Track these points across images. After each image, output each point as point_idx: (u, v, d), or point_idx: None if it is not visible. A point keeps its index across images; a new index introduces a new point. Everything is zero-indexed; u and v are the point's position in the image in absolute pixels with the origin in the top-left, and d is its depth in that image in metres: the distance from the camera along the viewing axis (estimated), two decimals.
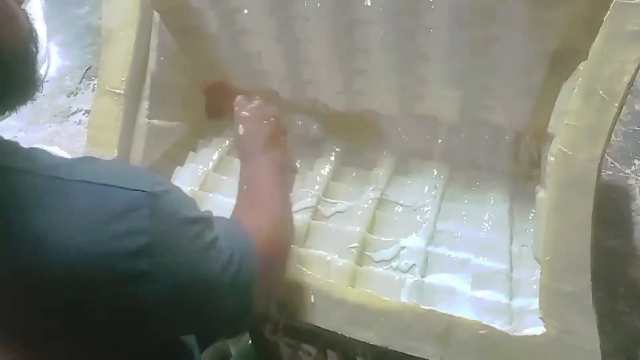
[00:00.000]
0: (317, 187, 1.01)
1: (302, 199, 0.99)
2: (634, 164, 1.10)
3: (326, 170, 1.04)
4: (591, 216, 0.75)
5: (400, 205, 0.98)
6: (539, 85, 0.90)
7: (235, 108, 0.91)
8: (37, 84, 0.56)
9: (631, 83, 0.73)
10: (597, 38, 0.73)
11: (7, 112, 0.55)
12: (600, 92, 0.73)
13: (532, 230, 0.93)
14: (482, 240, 0.91)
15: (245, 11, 1.00)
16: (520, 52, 0.86)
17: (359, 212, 0.96)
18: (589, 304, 0.75)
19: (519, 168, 1.01)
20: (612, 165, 1.10)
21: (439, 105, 1.02)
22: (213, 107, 1.19)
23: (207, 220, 0.60)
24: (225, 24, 1.04)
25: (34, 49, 0.54)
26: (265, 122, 0.88)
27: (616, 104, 0.73)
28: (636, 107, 1.21)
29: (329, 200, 1.01)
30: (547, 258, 0.78)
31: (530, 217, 0.94)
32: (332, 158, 1.07)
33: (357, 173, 1.06)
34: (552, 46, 0.84)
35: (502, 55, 0.88)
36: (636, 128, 1.16)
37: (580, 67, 0.76)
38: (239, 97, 0.92)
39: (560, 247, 0.77)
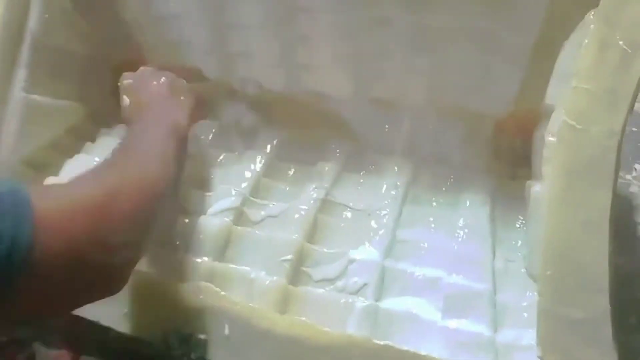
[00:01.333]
0: (243, 184, 0.78)
1: (223, 198, 0.76)
2: (635, 169, 0.91)
3: (257, 164, 0.82)
4: (609, 213, 0.54)
5: (350, 208, 0.76)
6: (526, 53, 0.70)
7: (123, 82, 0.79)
8: None
9: None
10: None
11: None
12: (620, 42, 0.53)
13: (519, 241, 0.72)
14: (455, 253, 0.69)
15: None
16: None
17: (296, 217, 0.74)
18: (607, 335, 0.54)
19: (501, 166, 0.80)
20: None
21: (401, 88, 0.81)
22: None
23: None
24: None
25: None
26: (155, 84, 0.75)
27: None
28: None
29: (258, 201, 0.78)
30: (548, 272, 0.56)
31: (518, 225, 0.73)
32: (268, 149, 0.84)
33: (297, 169, 0.83)
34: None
35: (473, 19, 0.68)
36: (634, 129, 0.97)
37: (591, 14, 0.57)
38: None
39: (567, 257, 0.55)
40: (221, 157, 0.84)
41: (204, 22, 0.82)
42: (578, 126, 0.54)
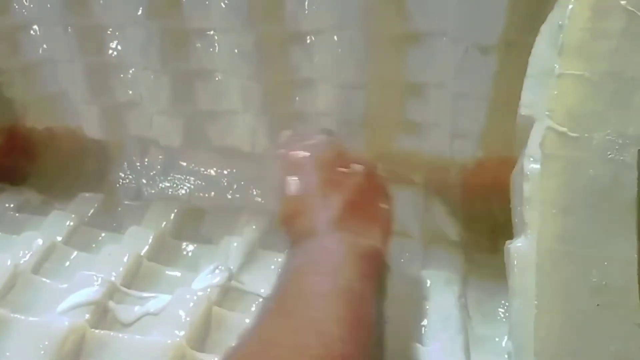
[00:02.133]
0: (118, 269, 0.56)
1: (83, 289, 0.53)
2: None
3: (143, 245, 0.60)
4: (637, 267, 0.32)
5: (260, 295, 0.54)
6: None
7: (280, 150, 0.49)
8: None
9: None
10: None
11: None
12: (623, 2, 0.35)
13: (504, 338, 0.49)
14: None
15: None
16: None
17: (191, 307, 0.51)
18: None
19: (473, 236, 0.59)
20: None
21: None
22: None
23: None
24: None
25: None
26: (342, 171, 0.45)
27: None
28: None
29: (134, 292, 0.55)
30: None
31: (501, 313, 0.51)
32: (163, 224, 0.63)
33: (197, 248, 0.61)
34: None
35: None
36: None
37: None
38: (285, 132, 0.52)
39: (576, 350, 0.33)
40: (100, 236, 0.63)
41: (82, 70, 0.64)
42: (571, 134, 0.34)
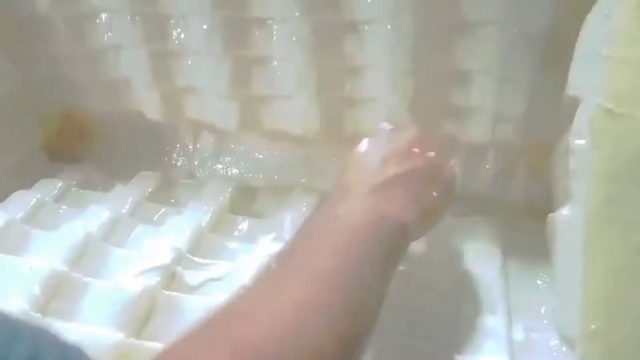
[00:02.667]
0: (184, 238, 0.61)
1: (151, 256, 0.58)
2: None
3: (205, 218, 0.65)
4: None
5: None
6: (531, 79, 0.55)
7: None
8: None
9: None
10: None
11: None
12: None
13: (542, 307, 0.53)
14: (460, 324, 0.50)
15: None
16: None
17: (246, 279, 0.55)
18: None
19: (511, 212, 0.63)
20: None
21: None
22: (54, 145, 0.81)
23: None
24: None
25: None
26: (413, 151, 0.48)
27: None
28: None
29: (196, 259, 0.60)
30: (593, 327, 0.37)
31: (540, 282, 0.55)
32: (220, 199, 0.68)
33: (252, 224, 0.66)
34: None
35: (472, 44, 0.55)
36: None
37: None
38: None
39: (619, 302, 0.37)
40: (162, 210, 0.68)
41: (145, 56, 0.69)
42: (618, 110, 0.38)
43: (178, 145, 0.78)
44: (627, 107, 0.38)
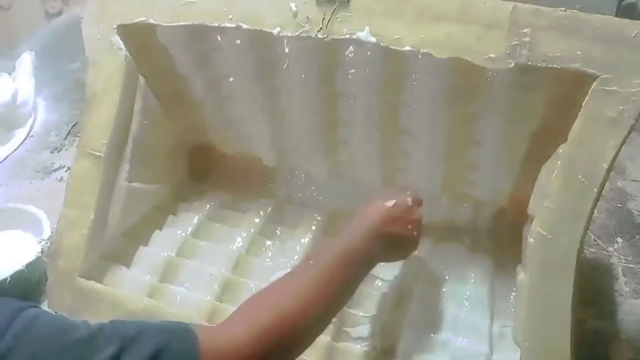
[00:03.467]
0: (296, 257, 0.99)
1: (281, 269, 0.97)
2: (617, 242, 1.09)
3: (307, 239, 1.03)
4: (571, 302, 0.73)
5: (380, 279, 0.96)
6: (519, 163, 0.90)
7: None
8: None
9: (610, 168, 0.73)
10: (576, 122, 0.73)
11: None
12: (579, 176, 0.73)
13: (513, 310, 0.91)
14: (462, 320, 0.89)
15: (231, 78, 1.00)
16: (500, 130, 0.86)
17: None
18: None
19: (501, 244, 1.00)
20: (595, 243, 1.09)
21: (420, 178, 1.01)
22: (196, 169, 1.19)
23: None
24: (211, 89, 1.04)
25: None
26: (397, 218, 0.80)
27: (595, 189, 0.72)
28: (619, 184, 1.21)
29: None
30: (527, 343, 0.76)
31: (512, 297, 0.92)
32: (313, 227, 1.06)
33: None
34: (531, 126, 0.84)
35: (482, 133, 0.89)
36: (619, 205, 1.16)
37: (560, 149, 0.76)
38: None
39: (539, 333, 0.75)
40: (278, 231, 1.06)
41: (266, 123, 1.04)
42: (549, 236, 0.74)
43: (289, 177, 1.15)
44: (554, 235, 0.74)
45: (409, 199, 0.84)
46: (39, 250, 1.05)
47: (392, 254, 0.83)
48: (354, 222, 0.78)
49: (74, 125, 1.52)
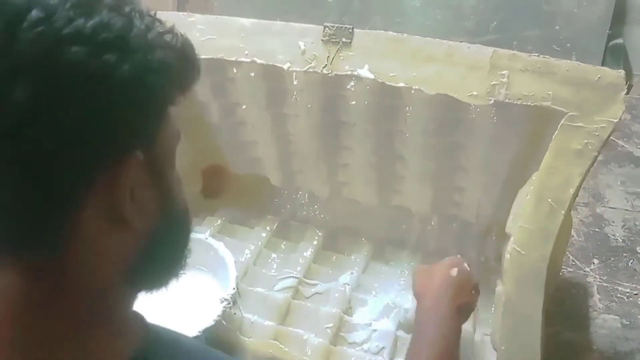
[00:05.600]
0: (299, 268, 1.09)
1: (285, 278, 1.07)
2: (593, 263, 1.19)
3: (308, 253, 1.13)
4: (541, 311, 0.83)
5: (375, 289, 1.06)
6: (500, 187, 1.01)
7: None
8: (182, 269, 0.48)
9: (576, 194, 0.83)
10: (547, 152, 0.84)
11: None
12: (549, 200, 0.83)
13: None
14: None
15: (244, 106, 1.12)
16: (483, 158, 0.97)
17: (337, 295, 1.04)
18: None
19: (485, 261, 1.10)
20: (573, 263, 1.19)
21: (412, 199, 1.12)
22: (209, 187, 1.29)
23: None
24: (225, 115, 1.15)
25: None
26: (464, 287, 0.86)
27: (562, 211, 0.82)
28: (597, 210, 1.31)
29: (309, 281, 1.08)
30: (502, 348, 0.85)
31: (492, 308, 1.02)
32: (315, 242, 1.16)
33: (337, 257, 1.14)
34: (509, 155, 0.95)
35: (467, 160, 0.99)
36: (596, 229, 1.25)
37: (533, 176, 0.87)
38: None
39: (513, 339, 0.85)
40: (282, 245, 1.16)
41: (275, 147, 1.15)
42: (522, 252, 0.84)
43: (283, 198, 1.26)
44: (527, 252, 0.84)
45: (466, 264, 0.90)
46: (220, 311, 0.90)
47: (466, 316, 0.87)
48: (429, 304, 0.84)
49: None
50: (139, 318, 0.45)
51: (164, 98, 0.42)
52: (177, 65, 0.41)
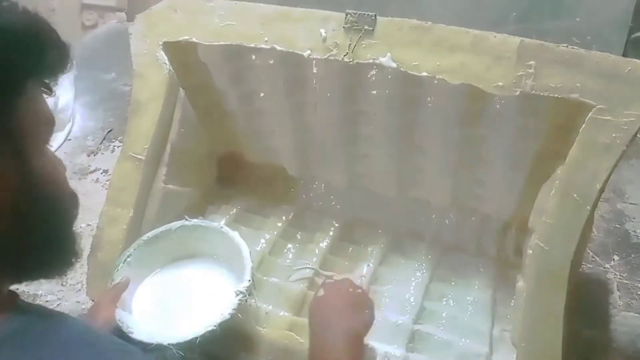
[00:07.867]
0: (315, 259, 1.08)
1: (301, 269, 1.06)
2: (614, 259, 1.17)
3: (324, 243, 1.12)
4: (563, 308, 0.81)
5: (393, 281, 1.05)
6: (522, 181, 0.99)
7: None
8: (72, 258, 0.49)
9: (602, 189, 0.81)
10: (573, 146, 0.82)
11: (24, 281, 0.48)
12: (575, 195, 0.81)
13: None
14: (465, 323, 0.97)
15: (262, 94, 1.10)
16: (506, 151, 0.95)
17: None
18: None
19: (504, 255, 1.08)
20: (593, 259, 1.17)
21: (432, 191, 1.10)
22: (225, 176, 1.28)
23: None
24: (244, 103, 1.14)
25: (74, 213, 0.51)
26: (349, 289, 0.82)
27: (588, 207, 0.80)
28: (618, 206, 1.29)
29: (324, 272, 1.07)
30: (523, 344, 0.84)
31: (512, 303, 1.00)
32: (331, 232, 1.14)
33: (354, 249, 1.13)
34: (534, 148, 0.93)
35: (489, 152, 0.97)
36: (617, 225, 1.23)
37: (558, 170, 0.85)
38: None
39: (534, 335, 0.83)
40: (298, 235, 1.15)
41: (292, 136, 1.14)
42: (545, 247, 0.82)
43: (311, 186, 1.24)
44: (550, 247, 0.82)
45: (359, 282, 0.86)
46: (236, 304, 0.87)
47: (358, 320, 0.78)
48: (317, 329, 0.78)
49: (109, 131, 1.63)
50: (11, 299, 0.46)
51: (11, 76, 0.44)
52: (27, 45, 0.44)
